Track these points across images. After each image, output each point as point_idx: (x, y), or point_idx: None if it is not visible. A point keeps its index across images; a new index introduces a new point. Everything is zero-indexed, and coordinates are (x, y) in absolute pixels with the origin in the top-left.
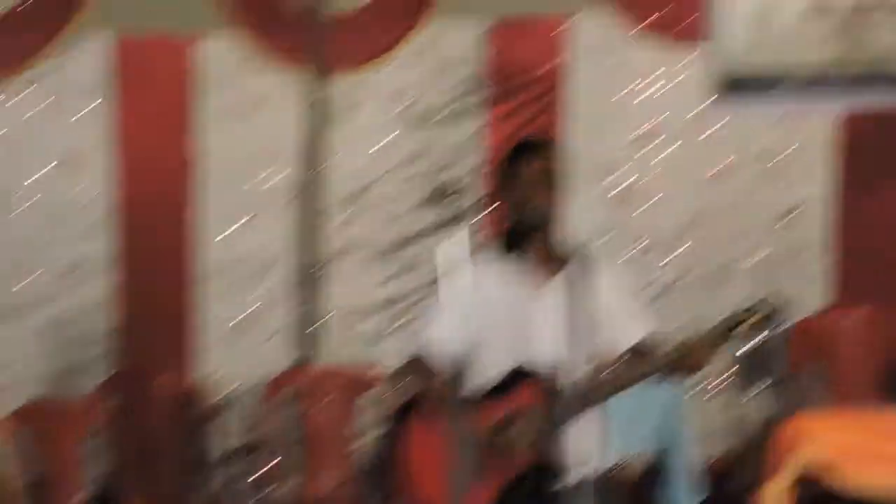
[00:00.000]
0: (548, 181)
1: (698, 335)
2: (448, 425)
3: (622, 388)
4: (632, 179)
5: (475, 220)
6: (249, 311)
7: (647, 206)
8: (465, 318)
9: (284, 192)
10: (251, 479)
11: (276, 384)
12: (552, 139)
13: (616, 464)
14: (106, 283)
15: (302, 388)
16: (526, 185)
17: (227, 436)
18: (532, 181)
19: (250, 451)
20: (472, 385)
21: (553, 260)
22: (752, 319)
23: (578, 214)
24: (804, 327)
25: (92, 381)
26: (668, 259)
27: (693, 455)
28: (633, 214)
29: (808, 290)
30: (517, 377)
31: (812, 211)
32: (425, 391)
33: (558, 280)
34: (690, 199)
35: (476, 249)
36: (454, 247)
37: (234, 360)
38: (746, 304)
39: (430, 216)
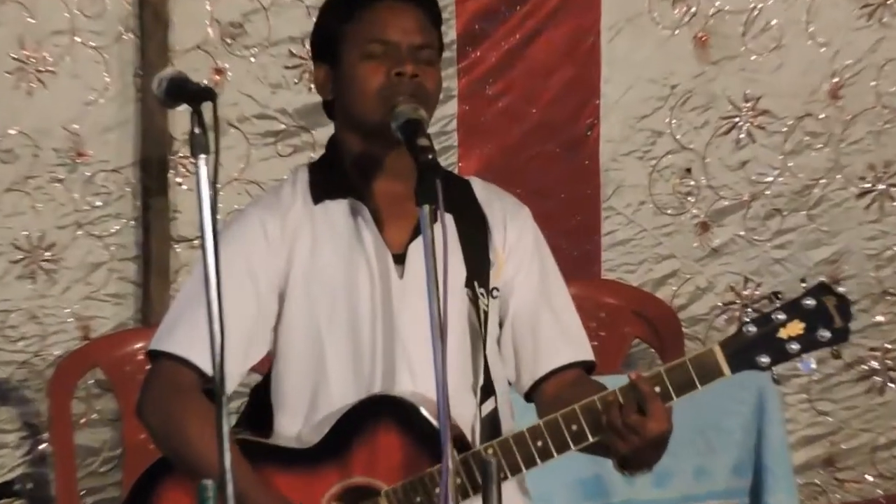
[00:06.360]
0: (425, 62)
1: (705, 355)
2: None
3: (544, 455)
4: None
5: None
6: (44, 232)
7: None
8: (262, 310)
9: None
10: None
11: (80, 361)
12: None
13: None
14: None
15: (121, 369)
16: (392, 64)
17: None
18: (398, 58)
19: (28, 476)
20: (285, 431)
21: (421, 206)
22: (794, 323)
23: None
24: None
25: None
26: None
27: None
28: None
29: None
30: (371, 416)
31: None
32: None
33: (430, 242)
34: None
35: (295, 183)
36: None
37: (15, 318)
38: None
39: None
